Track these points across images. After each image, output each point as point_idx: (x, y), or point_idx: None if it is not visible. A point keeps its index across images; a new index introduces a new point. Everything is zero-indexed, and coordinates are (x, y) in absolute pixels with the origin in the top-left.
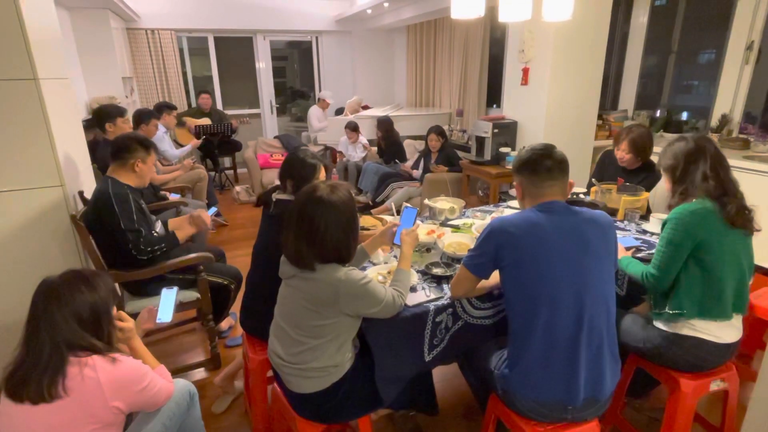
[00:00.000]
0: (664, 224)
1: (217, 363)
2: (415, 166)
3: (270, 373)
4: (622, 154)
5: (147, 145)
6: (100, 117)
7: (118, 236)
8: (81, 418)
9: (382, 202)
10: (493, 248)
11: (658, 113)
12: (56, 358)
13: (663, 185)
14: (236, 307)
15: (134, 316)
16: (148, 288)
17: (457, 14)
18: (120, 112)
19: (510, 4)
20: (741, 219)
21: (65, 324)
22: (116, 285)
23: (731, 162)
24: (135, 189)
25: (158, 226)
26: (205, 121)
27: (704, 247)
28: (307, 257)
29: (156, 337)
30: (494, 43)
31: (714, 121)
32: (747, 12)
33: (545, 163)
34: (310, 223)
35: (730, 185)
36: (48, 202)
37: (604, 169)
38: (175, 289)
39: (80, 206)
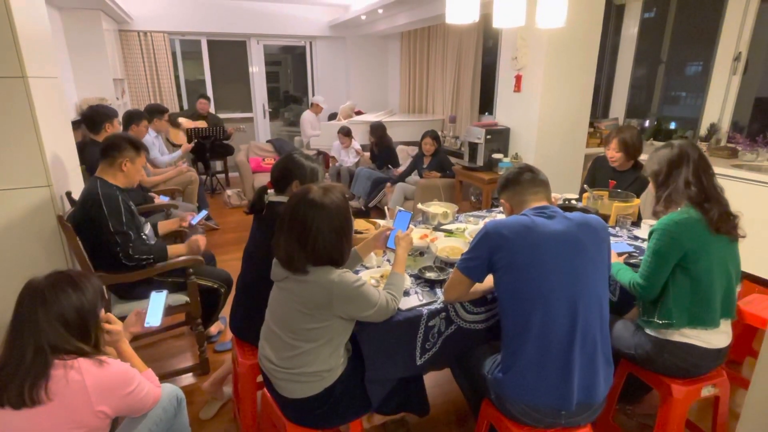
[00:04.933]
0: (650, 234)
1: (206, 368)
2: (407, 171)
3: (260, 378)
4: (612, 152)
5: (137, 146)
6: (98, 116)
7: (107, 238)
8: (65, 423)
9: (375, 207)
10: (487, 251)
11: (647, 123)
12: (39, 362)
13: (652, 191)
14: (226, 312)
15: (122, 319)
16: (136, 291)
17: (451, 19)
18: (115, 113)
19: (504, 10)
20: (725, 225)
21: (50, 327)
22: (103, 288)
23: (719, 170)
24: (123, 190)
25: (147, 228)
26: (201, 123)
27: (691, 257)
28: (299, 260)
29: (143, 342)
30: (486, 52)
31: (703, 131)
32: (734, 23)
33: (525, 175)
34: (302, 226)
35: (713, 192)
36: (35, 202)
37: (596, 173)
38: (165, 292)
39: (68, 207)
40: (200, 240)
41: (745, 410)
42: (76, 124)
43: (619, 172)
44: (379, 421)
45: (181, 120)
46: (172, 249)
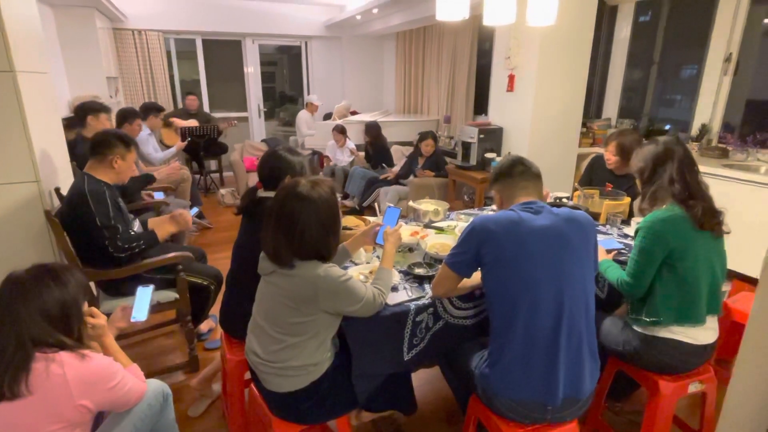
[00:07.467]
0: (636, 232)
1: (196, 366)
2: (402, 171)
3: (248, 375)
4: (609, 155)
5: (127, 142)
6: (80, 111)
7: (94, 234)
8: (45, 417)
9: (369, 206)
10: (474, 245)
11: (640, 124)
12: (21, 355)
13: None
14: (216, 309)
15: (109, 315)
16: (125, 287)
17: (441, 16)
18: (105, 108)
19: (494, 7)
20: (709, 221)
21: (31, 320)
22: (92, 284)
23: (710, 170)
24: (111, 186)
25: (136, 225)
26: (192, 122)
27: (677, 254)
28: (285, 254)
29: (134, 339)
30: (482, 54)
31: (694, 131)
32: (725, 25)
33: (517, 168)
34: (290, 220)
35: (696, 188)
36: (22, 197)
37: (594, 173)
38: (151, 287)
39: (56, 203)
40: (185, 214)
41: (726, 401)
42: (67, 122)
43: (617, 175)
44: (368, 418)
45: (173, 120)
46: (160, 230)
